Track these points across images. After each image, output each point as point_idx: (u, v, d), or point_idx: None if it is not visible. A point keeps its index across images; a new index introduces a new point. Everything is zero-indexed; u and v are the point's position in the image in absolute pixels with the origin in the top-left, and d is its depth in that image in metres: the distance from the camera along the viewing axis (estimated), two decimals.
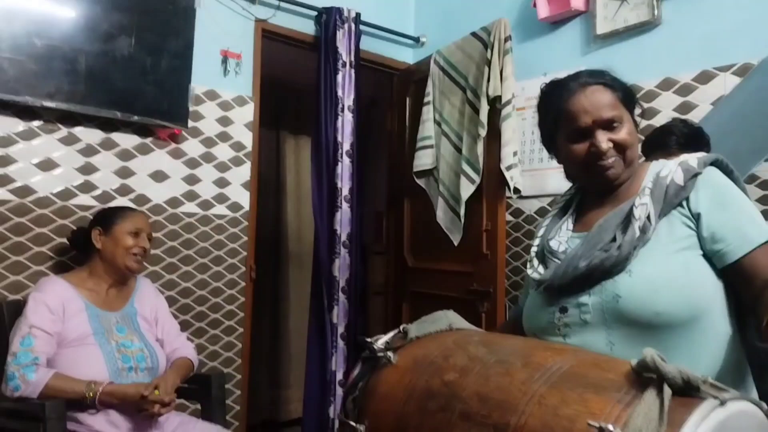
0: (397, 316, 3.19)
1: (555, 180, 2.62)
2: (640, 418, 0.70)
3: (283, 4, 2.88)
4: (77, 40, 2.19)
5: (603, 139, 1.11)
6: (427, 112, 2.99)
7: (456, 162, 2.80)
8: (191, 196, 2.60)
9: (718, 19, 2.25)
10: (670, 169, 1.11)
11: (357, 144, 2.99)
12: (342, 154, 2.93)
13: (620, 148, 1.12)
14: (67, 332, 1.81)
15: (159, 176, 2.51)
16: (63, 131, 2.27)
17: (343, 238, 2.93)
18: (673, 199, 1.07)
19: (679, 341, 1.01)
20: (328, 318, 2.89)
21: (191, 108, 2.53)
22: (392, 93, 3.44)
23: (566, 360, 0.88)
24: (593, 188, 1.21)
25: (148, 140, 2.48)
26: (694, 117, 2.27)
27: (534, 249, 1.24)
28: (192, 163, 2.60)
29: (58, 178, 2.26)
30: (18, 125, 2.18)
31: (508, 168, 2.54)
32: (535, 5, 2.73)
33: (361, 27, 3.08)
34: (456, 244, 2.80)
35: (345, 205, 2.94)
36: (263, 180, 3.47)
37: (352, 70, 2.98)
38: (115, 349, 1.83)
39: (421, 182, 3.03)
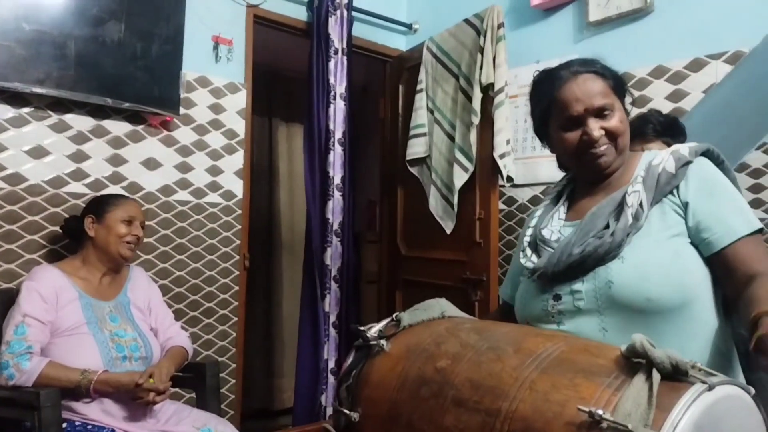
0: (390, 304, 3.20)
1: (548, 168, 2.62)
2: (629, 402, 0.71)
3: None
4: (66, 25, 2.17)
5: (595, 127, 1.12)
6: (420, 100, 2.98)
7: (449, 150, 2.80)
8: (184, 184, 2.59)
9: (709, 6, 2.25)
10: (662, 158, 1.12)
11: (349, 132, 2.98)
12: (334, 142, 2.93)
13: (612, 135, 1.13)
14: (61, 321, 1.80)
15: (151, 164, 2.50)
16: (54, 118, 2.26)
17: (335, 226, 2.93)
18: (664, 187, 1.09)
19: (670, 327, 1.02)
20: (320, 307, 2.89)
21: (183, 95, 2.51)
22: (385, 80, 3.43)
23: (557, 346, 0.89)
24: (585, 176, 1.22)
25: (140, 127, 2.47)
26: (686, 105, 2.28)
27: (526, 238, 1.25)
28: (184, 151, 2.59)
29: (50, 166, 2.25)
30: (8, 112, 2.16)
31: (501, 156, 2.54)
32: None
33: (354, 13, 3.06)
34: (449, 232, 2.80)
35: (337, 194, 2.93)
36: (255, 168, 3.46)
37: (345, 57, 2.97)
38: (108, 339, 1.83)
39: (414, 170, 3.03)
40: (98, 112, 2.35)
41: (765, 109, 2.06)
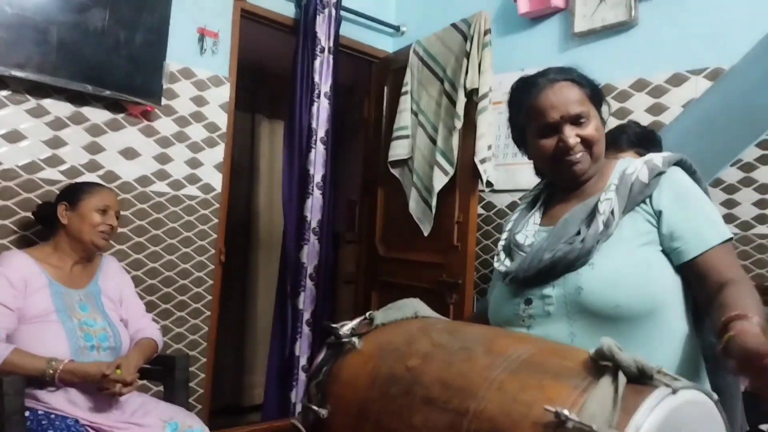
0: (367, 304, 3.20)
1: (527, 175, 2.61)
2: (594, 403, 0.71)
3: None
4: (49, 11, 2.13)
5: (570, 135, 1.14)
6: (405, 102, 2.99)
7: (431, 153, 2.80)
8: (162, 175, 2.56)
9: (692, 23, 2.29)
10: (636, 167, 1.13)
11: (332, 131, 2.98)
12: (316, 140, 2.92)
13: (587, 143, 1.15)
14: (29, 308, 1.77)
15: (129, 153, 2.47)
16: (32, 102, 2.22)
17: (314, 225, 2.92)
18: (637, 196, 1.10)
19: (638, 334, 1.03)
20: (291, 304, 2.88)
21: (165, 85, 2.49)
22: (370, 81, 3.43)
23: (527, 348, 0.89)
24: (561, 183, 1.23)
25: (120, 116, 2.44)
26: (665, 118, 2.31)
27: (501, 243, 1.26)
28: (164, 142, 2.56)
29: (25, 151, 2.21)
30: None
31: (482, 161, 2.55)
32: (516, 0, 2.75)
33: (342, 12, 3.06)
34: (426, 234, 2.81)
35: (317, 192, 2.93)
36: (236, 163, 3.43)
37: (331, 56, 2.97)
38: (77, 327, 1.80)
39: (395, 172, 3.04)
40: (77, 98, 2.31)
41: (741, 126, 2.11)
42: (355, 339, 1.08)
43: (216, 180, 2.72)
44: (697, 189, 1.13)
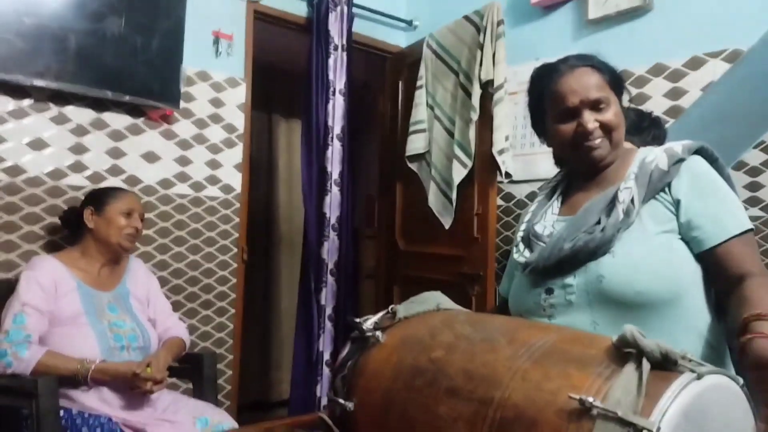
0: (388, 299, 3.21)
1: (546, 164, 2.63)
2: (619, 390, 0.72)
3: None
4: (66, 19, 2.17)
5: (590, 119, 1.13)
6: (420, 96, 2.99)
7: (448, 146, 2.80)
8: (183, 177, 2.60)
9: (708, 4, 2.26)
10: (655, 155, 1.13)
11: (348, 128, 2.99)
12: (332, 137, 2.94)
13: (606, 129, 1.14)
14: (59, 311, 1.81)
15: (150, 157, 2.51)
16: (54, 110, 2.26)
17: (333, 221, 2.94)
18: (656, 184, 1.10)
19: (660, 321, 1.03)
20: (315, 300, 2.91)
21: (183, 89, 2.52)
22: (384, 77, 3.43)
23: (550, 337, 0.89)
24: (580, 170, 1.23)
25: (140, 121, 2.48)
26: (684, 103, 2.29)
27: (520, 233, 1.26)
28: (184, 145, 2.60)
29: (49, 158, 2.26)
30: (8, 104, 2.17)
31: (500, 152, 2.55)
32: None
33: (354, 9, 3.07)
34: (447, 227, 2.81)
35: (335, 189, 2.94)
36: (255, 163, 3.47)
37: (344, 53, 2.98)
38: (107, 329, 1.84)
39: (413, 166, 3.04)
40: (98, 104, 2.36)
41: (763, 107, 2.08)
42: (378, 333, 1.09)
43: (236, 180, 2.76)
44: (717, 177, 1.12)
